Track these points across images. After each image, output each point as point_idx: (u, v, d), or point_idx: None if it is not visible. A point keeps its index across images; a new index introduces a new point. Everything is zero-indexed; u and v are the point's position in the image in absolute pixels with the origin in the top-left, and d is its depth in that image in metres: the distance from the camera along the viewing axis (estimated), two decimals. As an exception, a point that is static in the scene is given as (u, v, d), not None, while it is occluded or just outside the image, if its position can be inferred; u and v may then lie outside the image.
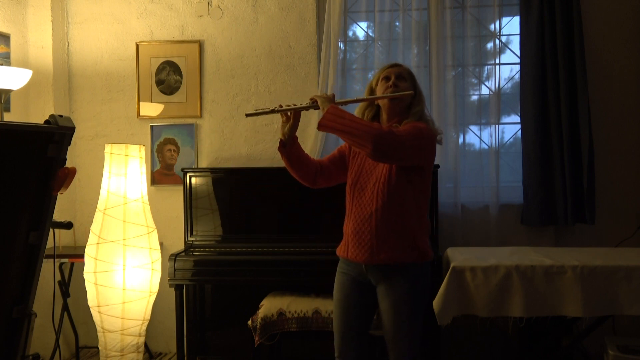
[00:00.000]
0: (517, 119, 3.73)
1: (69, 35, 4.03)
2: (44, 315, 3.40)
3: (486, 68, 3.79)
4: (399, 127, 2.37)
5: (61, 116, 1.77)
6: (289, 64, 3.89)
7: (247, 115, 2.52)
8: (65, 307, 3.65)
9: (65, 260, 3.69)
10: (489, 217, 3.66)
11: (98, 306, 3.41)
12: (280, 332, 3.12)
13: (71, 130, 1.80)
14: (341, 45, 3.80)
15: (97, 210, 3.50)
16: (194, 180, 3.68)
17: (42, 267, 1.87)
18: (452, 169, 3.68)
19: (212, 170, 3.74)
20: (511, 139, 3.84)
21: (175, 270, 3.38)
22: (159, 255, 3.58)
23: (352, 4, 3.88)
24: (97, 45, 4.02)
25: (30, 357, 1.90)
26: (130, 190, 3.49)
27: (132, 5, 3.99)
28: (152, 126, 3.98)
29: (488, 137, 3.73)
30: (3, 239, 1.74)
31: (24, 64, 3.76)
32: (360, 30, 3.95)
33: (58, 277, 3.64)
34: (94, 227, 3.45)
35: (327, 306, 3.10)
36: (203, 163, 3.95)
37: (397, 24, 3.80)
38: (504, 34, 3.81)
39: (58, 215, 2.59)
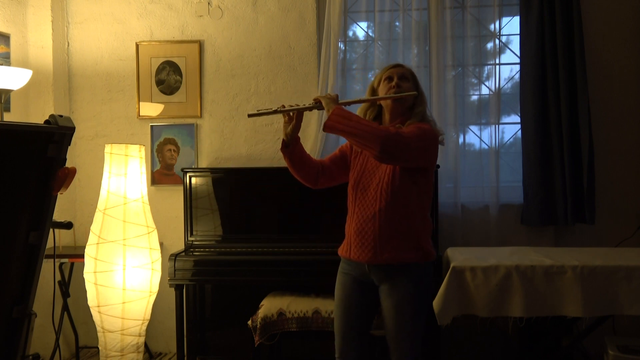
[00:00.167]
0: (517, 119, 3.73)
1: (69, 35, 4.03)
2: (44, 315, 3.40)
3: (486, 68, 3.79)
4: (402, 127, 2.37)
5: (61, 116, 1.77)
6: (289, 64, 3.89)
7: (250, 115, 2.50)
8: (65, 307, 3.65)
9: (65, 260, 3.69)
10: (489, 217, 3.66)
11: (98, 306, 3.41)
12: (280, 332, 3.12)
13: (71, 130, 1.80)
14: (341, 45, 3.80)
15: (97, 210, 3.50)
16: (194, 180, 3.68)
17: (42, 267, 1.87)
18: (452, 169, 3.68)
19: (212, 170, 3.74)
20: (511, 139, 3.84)
21: (175, 270, 3.38)
22: (159, 255, 3.58)
23: (352, 4, 3.88)
24: (97, 45, 4.02)
25: (30, 357, 1.90)
26: (130, 190, 3.49)
27: (132, 5, 3.99)
28: (152, 126, 3.98)
29: (488, 137, 3.73)
30: (3, 239, 1.74)
31: (24, 64, 3.76)
32: (360, 30, 3.95)
33: (58, 277, 3.64)
34: (94, 227, 3.45)
35: (327, 306, 3.10)
36: (203, 163, 3.95)
37: (397, 24, 3.80)
38: (504, 34, 3.81)
39: (58, 215, 2.59)
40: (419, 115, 2.41)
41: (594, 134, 3.53)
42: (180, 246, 3.75)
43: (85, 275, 3.45)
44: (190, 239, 3.65)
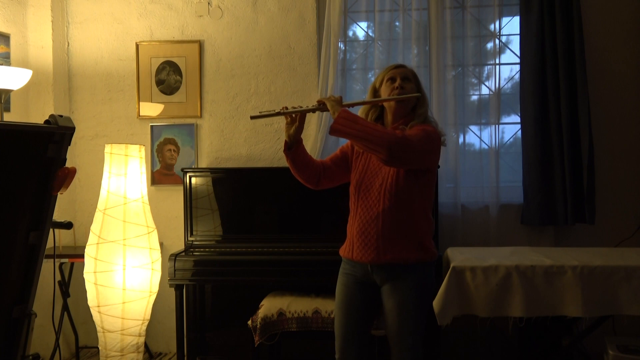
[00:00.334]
0: (517, 119, 3.73)
1: (69, 35, 4.03)
2: (44, 315, 3.41)
3: (486, 68, 3.79)
4: (405, 129, 2.37)
5: (61, 116, 1.77)
6: (289, 64, 3.89)
7: (252, 117, 2.49)
8: (65, 307, 3.65)
9: (65, 260, 3.69)
10: (489, 217, 3.66)
11: (98, 306, 3.41)
12: (280, 332, 3.12)
13: (71, 130, 1.80)
14: (341, 45, 3.80)
15: (97, 210, 3.50)
16: (194, 180, 3.68)
17: (42, 267, 1.87)
18: (452, 169, 3.68)
19: (212, 170, 3.74)
20: (511, 139, 3.84)
21: (175, 270, 3.38)
22: (159, 255, 3.58)
23: (352, 4, 3.88)
24: (97, 45, 4.03)
25: (30, 357, 1.90)
26: (130, 190, 3.49)
27: (132, 5, 3.99)
28: (152, 126, 3.98)
29: (488, 137, 3.73)
30: (3, 239, 1.74)
31: (24, 64, 3.76)
32: (360, 30, 3.95)
33: (58, 277, 3.63)
34: (94, 227, 3.45)
35: (327, 306, 3.11)
36: (203, 163, 3.95)
37: (397, 24, 3.80)
38: (504, 34, 3.81)
39: (58, 215, 2.60)
40: (421, 117, 2.41)
41: (594, 134, 3.53)
42: (180, 246, 3.75)
43: (85, 275, 3.45)
44: (190, 239, 3.65)
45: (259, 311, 3.16)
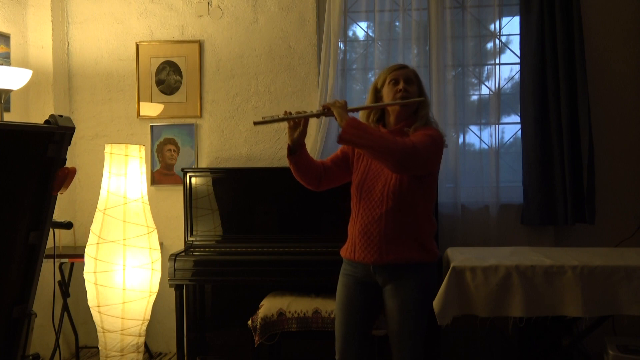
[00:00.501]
0: (517, 119, 3.73)
1: (69, 35, 4.03)
2: (44, 315, 3.41)
3: (486, 68, 3.79)
4: (409, 131, 2.37)
5: (61, 116, 1.77)
6: (289, 64, 3.89)
7: (256, 123, 2.41)
8: (65, 307, 3.65)
9: (65, 260, 3.69)
10: (489, 217, 3.66)
11: (98, 306, 3.41)
12: (280, 332, 3.12)
13: (71, 130, 1.80)
14: (341, 45, 3.80)
15: (97, 210, 3.50)
16: (194, 180, 3.68)
17: (42, 267, 1.87)
18: (452, 169, 3.68)
19: (212, 170, 3.74)
20: (511, 139, 3.84)
21: (175, 270, 3.38)
22: (159, 255, 3.58)
23: (352, 4, 3.88)
24: (97, 45, 4.03)
25: (30, 357, 1.90)
26: (130, 190, 3.49)
27: (132, 5, 3.99)
28: (152, 126, 3.98)
29: (488, 137, 3.73)
30: (3, 239, 1.74)
31: (24, 64, 3.76)
32: (360, 30, 3.95)
33: (58, 277, 3.63)
34: (94, 227, 3.45)
35: (327, 306, 3.11)
36: (203, 163, 3.95)
37: (397, 24, 3.80)
38: (504, 34, 3.80)
39: (58, 215, 2.59)
40: (423, 118, 2.41)
41: (594, 134, 3.53)
42: (180, 246, 3.75)
43: (85, 275, 3.45)
44: (190, 239, 3.65)
45: (259, 311, 3.16)
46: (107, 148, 3.54)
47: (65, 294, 3.64)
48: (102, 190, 3.52)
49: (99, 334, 3.48)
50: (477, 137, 3.78)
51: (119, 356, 3.45)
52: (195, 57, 3.93)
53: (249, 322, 3.14)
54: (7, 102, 3.57)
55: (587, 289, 2.64)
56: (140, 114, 3.99)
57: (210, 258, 3.44)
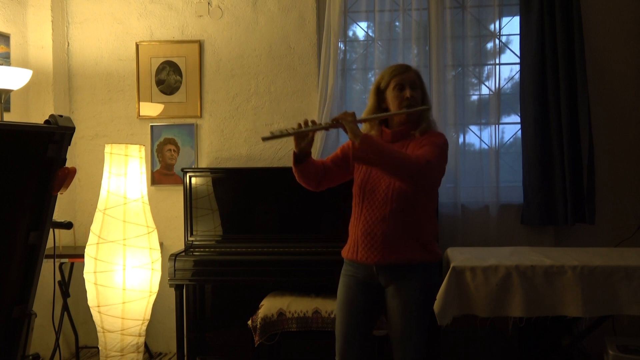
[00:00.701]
0: (517, 119, 3.73)
1: (69, 35, 4.03)
2: (44, 315, 3.40)
3: (486, 68, 3.79)
4: (416, 134, 2.38)
5: (61, 116, 1.77)
6: (289, 64, 3.89)
7: (264, 139, 2.36)
8: (65, 307, 3.65)
9: (65, 260, 3.69)
10: (489, 217, 3.66)
11: (98, 306, 3.41)
12: (280, 332, 3.12)
13: (71, 130, 1.80)
14: (341, 45, 3.80)
15: (97, 210, 3.50)
16: (194, 180, 3.68)
17: (42, 267, 1.87)
18: (452, 169, 3.67)
19: (212, 170, 3.74)
20: (511, 139, 3.84)
21: (175, 270, 3.38)
22: (159, 255, 3.58)
23: (352, 4, 3.88)
24: (97, 45, 4.03)
25: (30, 357, 1.90)
26: (130, 190, 3.49)
27: (132, 5, 3.99)
28: (152, 126, 3.98)
29: (488, 137, 3.73)
30: (3, 239, 1.74)
31: (24, 64, 3.76)
32: (360, 30, 3.95)
33: (58, 277, 3.63)
34: (94, 227, 3.45)
35: (327, 306, 3.11)
36: (203, 163, 3.95)
37: (397, 24, 3.80)
38: (504, 34, 3.80)
39: (58, 215, 2.59)
40: (426, 120, 2.42)
41: (594, 134, 3.53)
42: (180, 246, 3.75)
43: (85, 275, 3.45)
44: (190, 239, 3.65)
45: (259, 311, 3.16)
46: (107, 148, 3.54)
47: (65, 294, 3.64)
48: (102, 190, 3.52)
49: (99, 334, 3.48)
50: (477, 137, 3.78)
51: (119, 356, 3.45)
52: (195, 57, 3.93)
53: (249, 322, 3.14)
54: (7, 102, 3.57)
55: (587, 289, 2.64)
56: (140, 114, 3.99)
57: (210, 258, 3.44)
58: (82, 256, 3.47)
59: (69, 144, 1.82)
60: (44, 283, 2.72)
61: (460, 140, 3.75)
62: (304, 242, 3.52)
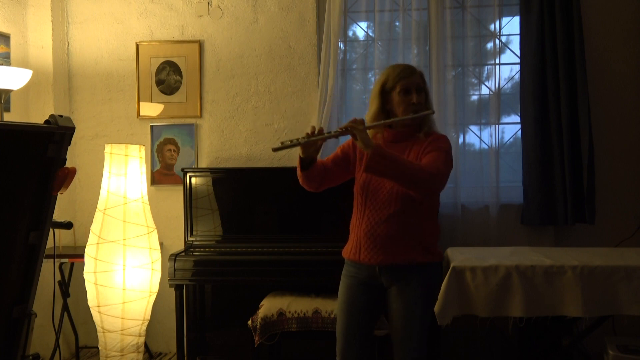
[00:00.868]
0: (517, 119, 3.73)
1: (69, 35, 4.03)
2: (44, 315, 3.40)
3: (486, 68, 3.79)
4: (421, 136, 2.39)
5: (61, 116, 1.77)
6: (289, 64, 3.89)
7: (274, 150, 2.37)
8: (65, 307, 3.65)
9: (65, 260, 3.69)
10: (489, 217, 3.66)
11: (98, 306, 3.41)
12: (280, 332, 3.12)
13: (71, 130, 1.80)
14: (341, 45, 3.80)
15: (97, 210, 3.50)
16: (194, 180, 3.68)
17: (42, 267, 1.87)
18: (452, 169, 3.67)
19: (212, 170, 3.74)
20: (511, 139, 3.84)
21: (175, 270, 3.38)
22: (159, 255, 3.58)
23: (352, 4, 3.88)
24: (97, 45, 4.03)
25: (30, 357, 1.90)
26: (130, 190, 3.49)
27: (132, 5, 3.99)
28: (152, 126, 3.98)
29: (488, 137, 3.73)
30: (3, 239, 1.74)
31: (24, 64, 3.76)
32: (360, 30, 3.95)
33: (58, 277, 3.63)
34: (94, 227, 3.45)
35: (327, 306, 3.11)
36: (203, 163, 3.95)
37: (397, 24, 3.80)
38: (504, 34, 3.80)
39: (58, 215, 2.59)
40: (430, 122, 2.44)
41: (594, 134, 3.53)
42: (180, 246, 3.75)
43: (85, 275, 3.45)
44: (190, 239, 3.65)
45: (259, 311, 3.16)
46: (107, 148, 3.54)
47: (65, 294, 3.64)
48: (102, 190, 3.52)
49: (99, 334, 3.48)
50: (477, 137, 3.78)
51: (119, 356, 3.45)
52: (195, 57, 3.93)
53: (249, 322, 3.14)
54: (7, 102, 3.57)
55: (587, 289, 2.64)
56: (140, 114, 3.99)
57: (210, 258, 3.44)
58: (82, 256, 3.47)
59: (69, 144, 1.82)
60: (44, 283, 2.72)
61: (460, 140, 3.75)
62: (304, 242, 3.52)
